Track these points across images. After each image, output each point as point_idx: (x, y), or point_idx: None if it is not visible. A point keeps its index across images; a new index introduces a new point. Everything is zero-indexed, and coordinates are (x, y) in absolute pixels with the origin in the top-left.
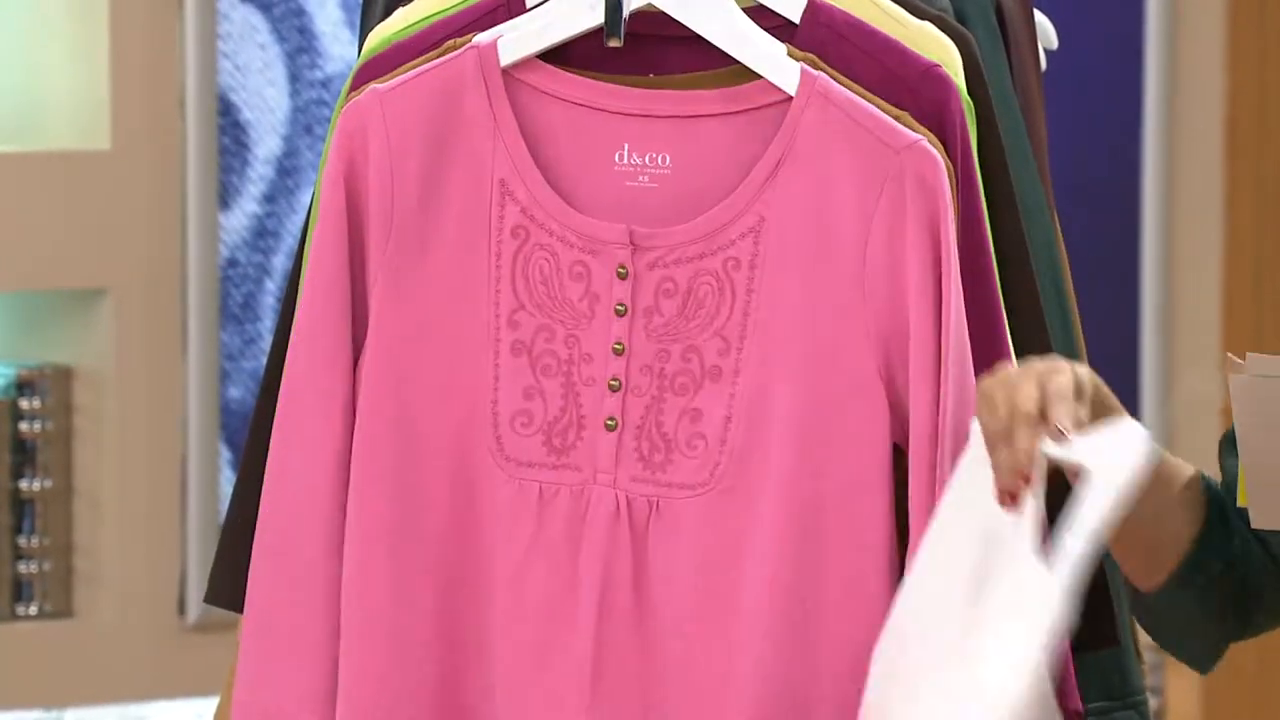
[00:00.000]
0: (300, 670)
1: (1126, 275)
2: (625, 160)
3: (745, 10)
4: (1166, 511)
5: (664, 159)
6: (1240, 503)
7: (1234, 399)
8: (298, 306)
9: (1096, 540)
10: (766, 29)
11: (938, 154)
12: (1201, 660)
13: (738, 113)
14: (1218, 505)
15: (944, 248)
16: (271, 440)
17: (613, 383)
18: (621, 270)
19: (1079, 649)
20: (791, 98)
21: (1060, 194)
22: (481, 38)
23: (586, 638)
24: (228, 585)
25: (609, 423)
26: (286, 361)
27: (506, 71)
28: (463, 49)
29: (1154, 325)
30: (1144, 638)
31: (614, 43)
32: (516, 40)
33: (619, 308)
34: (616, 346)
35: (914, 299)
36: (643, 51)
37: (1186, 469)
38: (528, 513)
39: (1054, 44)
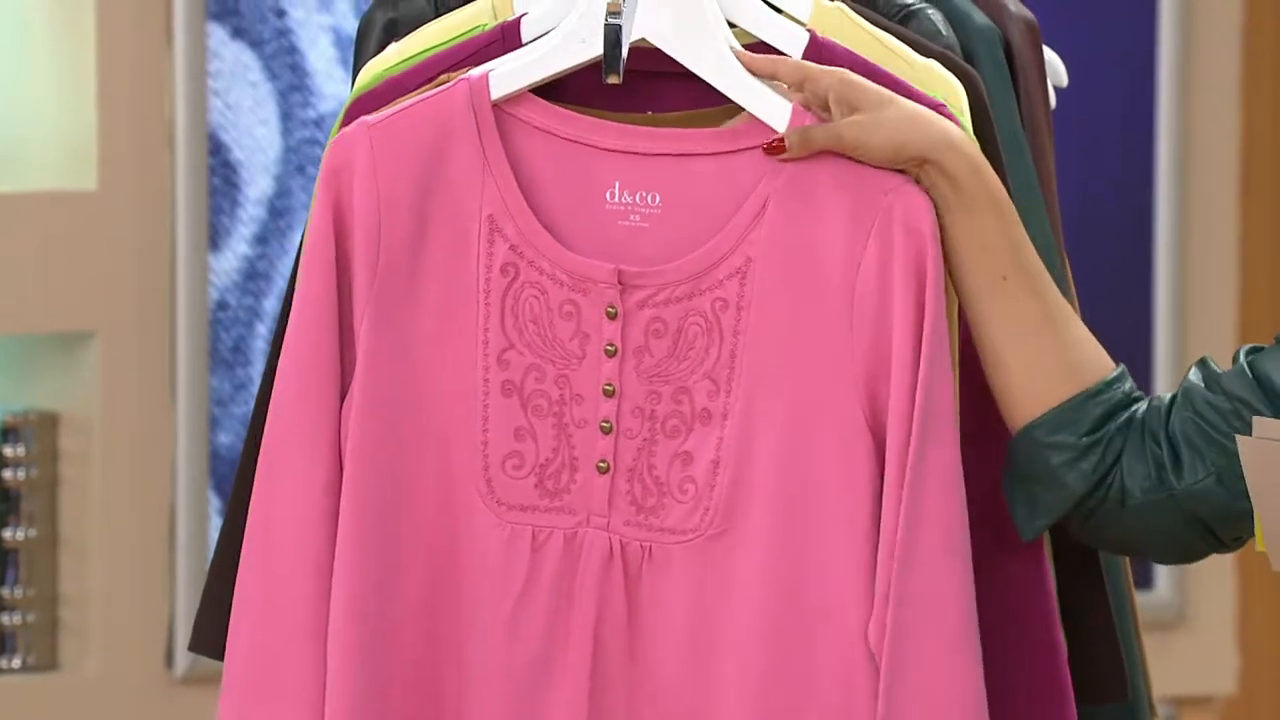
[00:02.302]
0: (286, 717)
1: (1139, 318)
2: (616, 199)
3: (747, 45)
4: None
5: (654, 198)
6: (1259, 548)
7: (1243, 458)
8: (282, 344)
9: None
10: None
11: (925, 196)
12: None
13: (729, 152)
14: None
15: (929, 292)
16: (255, 484)
17: (604, 425)
18: (611, 310)
19: (1089, 702)
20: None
21: (1070, 234)
22: (473, 71)
23: (581, 683)
24: (214, 633)
25: (601, 465)
26: (271, 401)
27: (497, 106)
28: (453, 82)
29: (1167, 368)
30: (1156, 689)
31: (613, 79)
32: (508, 74)
33: (609, 348)
34: (607, 388)
35: (897, 344)
36: (639, 88)
37: (1102, 360)
38: (520, 557)
39: (1064, 82)
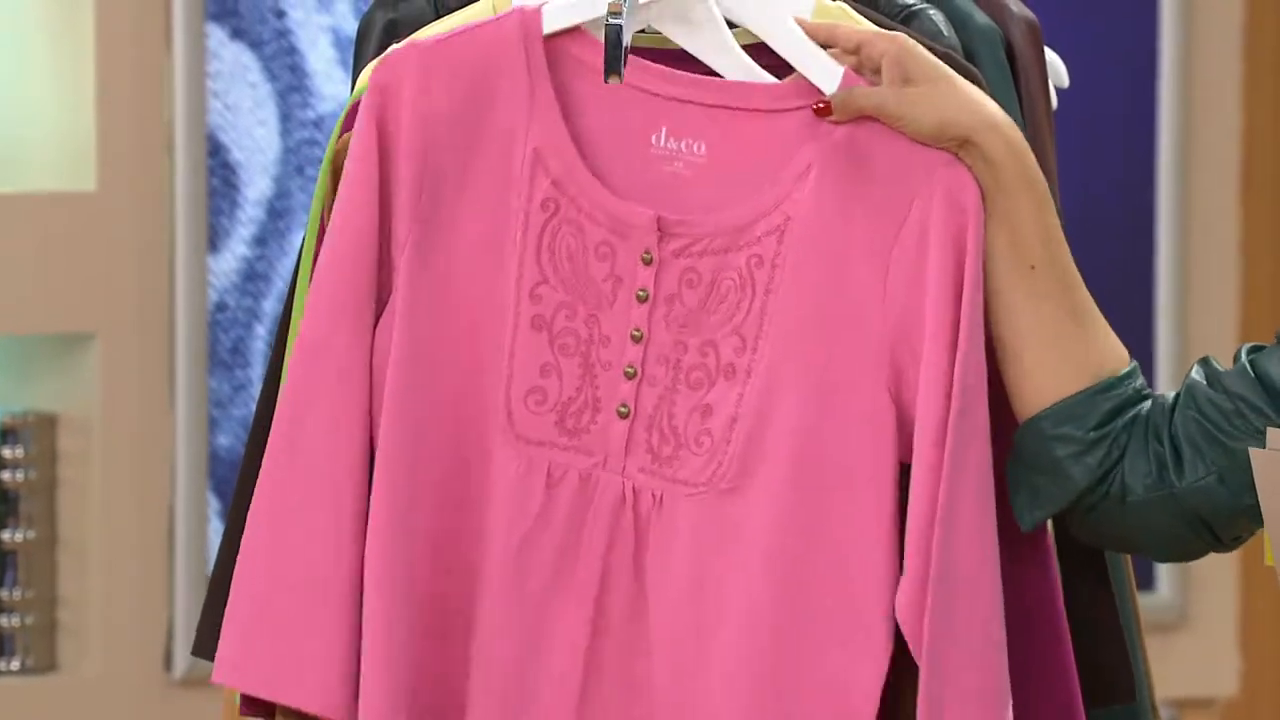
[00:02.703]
0: (311, 623)
1: (1140, 317)
2: (661, 144)
3: (745, 47)
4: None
5: (699, 147)
6: (1268, 561)
7: (1255, 471)
8: (318, 258)
9: None
10: (767, 66)
11: (971, 175)
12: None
13: (779, 110)
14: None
15: (968, 270)
16: (285, 387)
17: (628, 370)
18: (646, 255)
19: (1094, 704)
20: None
21: (1072, 234)
22: (527, 5)
23: (584, 622)
24: (217, 638)
25: (621, 410)
26: (306, 311)
27: (549, 39)
28: (504, 11)
29: (1169, 367)
30: (1158, 691)
31: (614, 80)
32: (561, 9)
33: (641, 293)
34: (635, 333)
35: (930, 321)
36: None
37: (1116, 354)
38: (535, 492)
39: (1065, 82)
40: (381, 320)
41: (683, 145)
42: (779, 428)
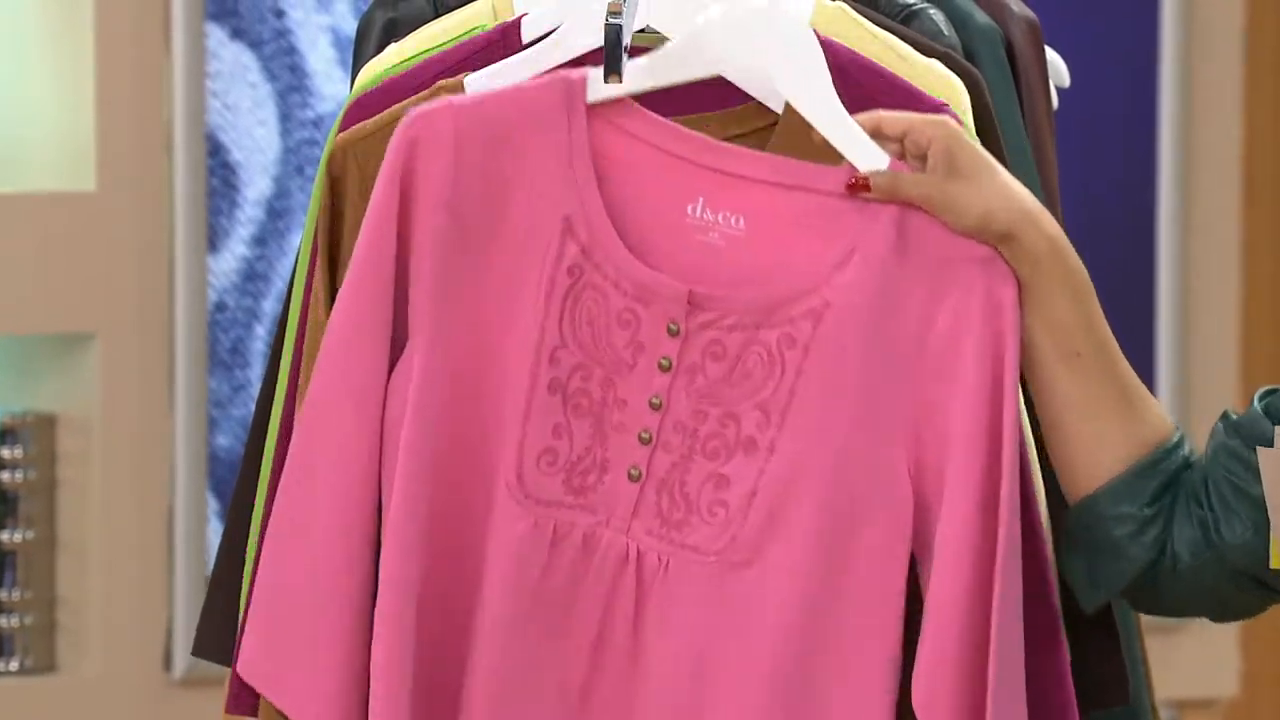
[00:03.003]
0: (314, 642)
1: (1141, 318)
2: (697, 214)
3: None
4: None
5: (738, 220)
6: (1273, 565)
7: (1262, 470)
8: (334, 305)
9: None
10: None
11: (1011, 273)
12: (1102, 586)
13: (825, 193)
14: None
15: (1008, 365)
16: (294, 443)
17: (643, 435)
18: (673, 327)
19: (1091, 706)
20: None
21: (1072, 234)
22: (573, 72)
23: (576, 677)
24: (216, 638)
25: (632, 472)
26: (320, 357)
27: (592, 107)
28: (550, 76)
29: (1169, 367)
30: (1158, 693)
31: (613, 80)
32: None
33: (663, 362)
34: (654, 400)
35: (967, 414)
36: (674, 91)
37: (1163, 426)
38: (539, 548)
39: (1066, 82)
40: (398, 366)
41: (719, 217)
42: (799, 506)
